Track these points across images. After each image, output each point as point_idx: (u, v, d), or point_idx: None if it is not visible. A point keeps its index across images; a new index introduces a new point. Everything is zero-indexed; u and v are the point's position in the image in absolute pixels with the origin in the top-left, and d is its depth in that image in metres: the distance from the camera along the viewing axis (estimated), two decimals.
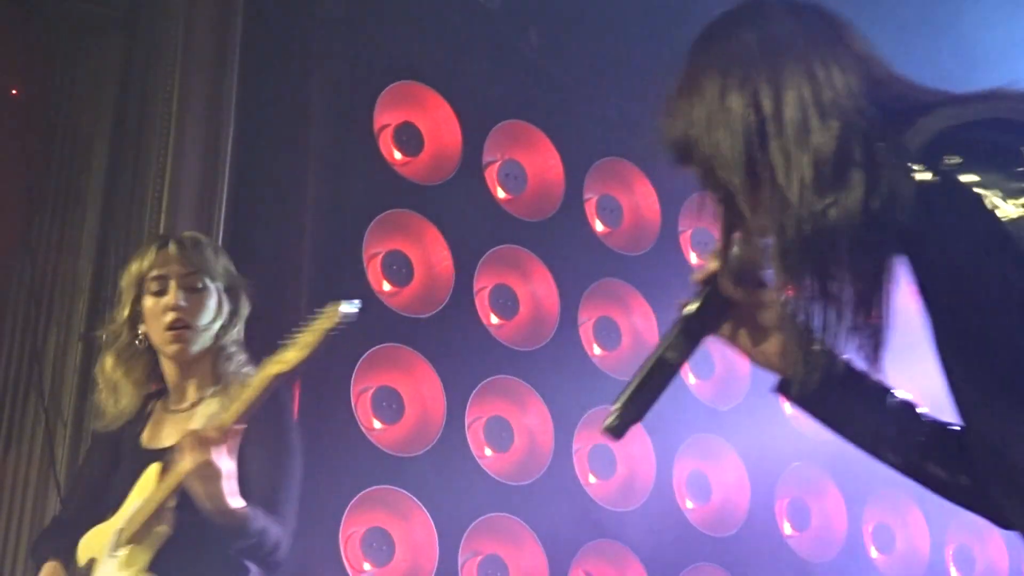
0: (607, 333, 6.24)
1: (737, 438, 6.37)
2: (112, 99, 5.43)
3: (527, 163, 6.25)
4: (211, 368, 3.93)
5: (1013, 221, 1.90)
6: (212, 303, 3.89)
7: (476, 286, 5.87)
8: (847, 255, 2.07)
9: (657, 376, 2.29)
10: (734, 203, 2.19)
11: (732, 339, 2.39)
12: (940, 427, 2.34)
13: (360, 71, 5.86)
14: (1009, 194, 1.92)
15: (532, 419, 5.87)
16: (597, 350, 6.19)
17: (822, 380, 2.29)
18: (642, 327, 6.28)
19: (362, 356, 5.42)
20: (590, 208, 6.40)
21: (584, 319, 6.16)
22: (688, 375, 6.39)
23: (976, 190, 1.93)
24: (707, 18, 2.30)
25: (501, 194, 6.14)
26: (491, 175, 6.13)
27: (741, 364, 6.30)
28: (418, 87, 5.99)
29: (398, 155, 5.88)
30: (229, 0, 5.46)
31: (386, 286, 5.68)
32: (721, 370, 6.49)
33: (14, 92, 5.49)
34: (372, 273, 5.64)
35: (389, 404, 5.54)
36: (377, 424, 5.48)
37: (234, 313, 3.96)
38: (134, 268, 3.93)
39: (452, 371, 5.65)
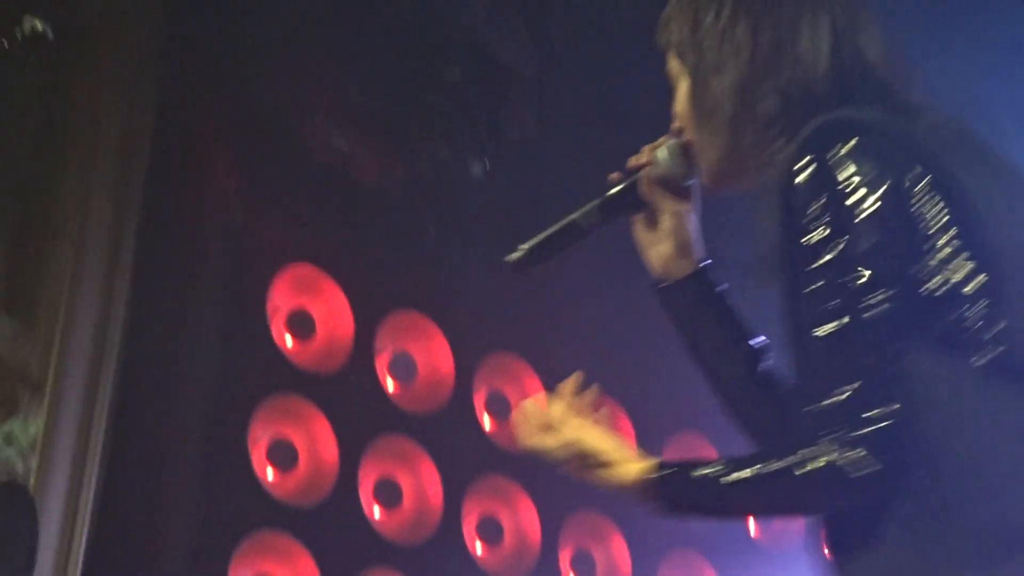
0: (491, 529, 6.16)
1: None
2: (4, 272, 5.34)
3: (418, 354, 6.22)
4: None
5: (865, 219, 2.03)
6: None
7: (361, 474, 5.78)
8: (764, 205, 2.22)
9: (565, 235, 2.53)
10: (693, 110, 2.36)
11: (636, 230, 2.58)
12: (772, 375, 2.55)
13: (255, 252, 5.82)
14: (871, 190, 2.05)
15: None
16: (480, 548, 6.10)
17: (699, 296, 2.55)
18: (526, 525, 6.21)
19: (239, 545, 5.32)
20: (479, 402, 6.36)
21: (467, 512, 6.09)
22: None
23: (841, 179, 2.07)
24: None
25: (391, 385, 6.09)
26: (381, 364, 6.08)
27: None
28: (312, 271, 5.96)
29: (289, 340, 5.83)
30: (128, 172, 5.41)
31: (271, 473, 5.58)
32: None
33: None
34: (256, 459, 5.54)
35: None
36: None
37: None
38: None
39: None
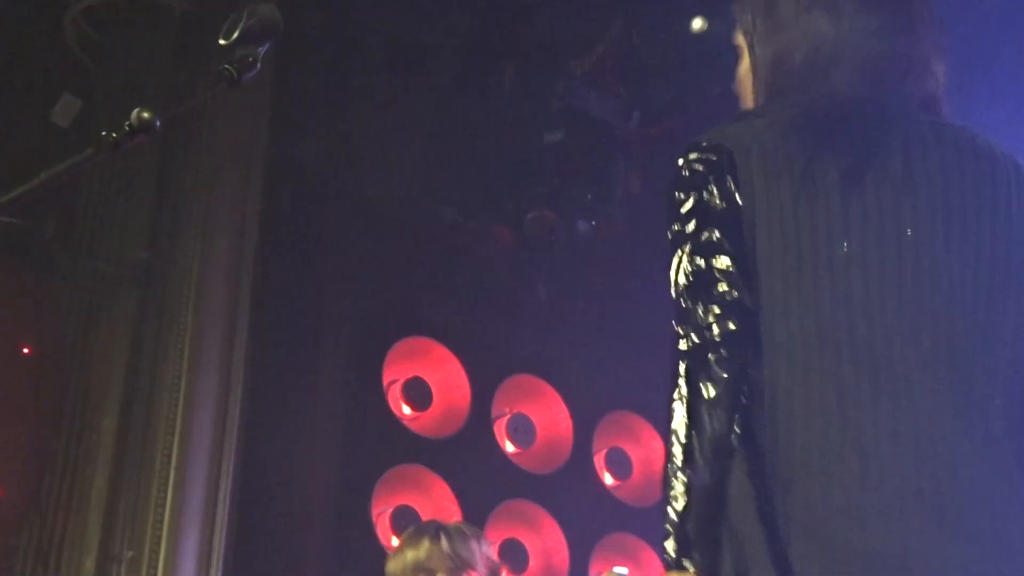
0: None
1: None
2: (124, 357, 5.46)
3: (535, 416, 6.26)
4: None
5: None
6: None
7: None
8: None
9: None
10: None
11: None
12: None
13: (370, 326, 5.91)
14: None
15: None
16: None
17: None
18: None
19: None
20: (599, 461, 6.38)
21: (595, 573, 6.09)
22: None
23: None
24: None
25: (510, 447, 6.13)
26: (499, 429, 6.13)
27: None
28: (427, 342, 6.04)
29: (407, 409, 5.90)
30: (240, 258, 5.52)
31: (395, 541, 5.62)
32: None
33: (26, 351, 5.53)
34: (381, 528, 5.59)
35: None
36: None
37: None
38: (409, 557, 3.88)
39: None
